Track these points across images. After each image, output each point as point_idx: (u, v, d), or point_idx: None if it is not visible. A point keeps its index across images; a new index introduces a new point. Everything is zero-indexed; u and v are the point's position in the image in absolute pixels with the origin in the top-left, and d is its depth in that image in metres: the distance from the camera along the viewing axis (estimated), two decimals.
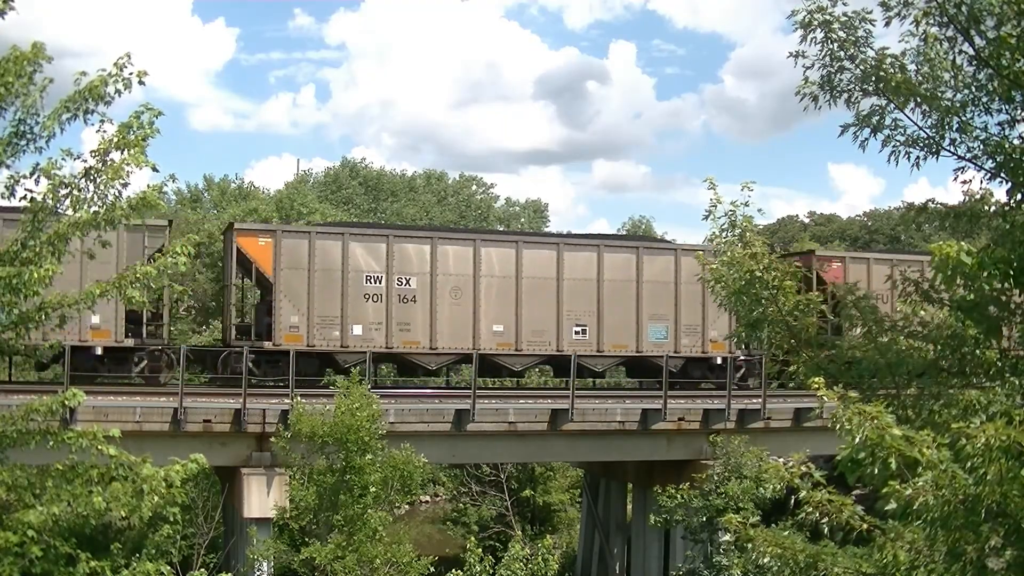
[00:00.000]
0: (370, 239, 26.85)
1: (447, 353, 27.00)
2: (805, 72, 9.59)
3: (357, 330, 26.01)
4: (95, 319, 23.92)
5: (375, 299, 26.29)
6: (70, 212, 9.66)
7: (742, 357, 28.41)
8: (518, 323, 27.44)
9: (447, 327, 26.86)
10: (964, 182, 9.49)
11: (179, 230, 29.37)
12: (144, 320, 25.19)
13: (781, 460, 20.57)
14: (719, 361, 28.83)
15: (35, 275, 9.16)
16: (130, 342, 24.64)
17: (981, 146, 9.22)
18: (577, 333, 27.97)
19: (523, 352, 27.62)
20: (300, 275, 25.85)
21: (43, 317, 9.84)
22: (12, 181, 9.78)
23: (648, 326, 28.55)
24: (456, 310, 26.96)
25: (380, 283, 26.34)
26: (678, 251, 29.21)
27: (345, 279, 26.08)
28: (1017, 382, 8.75)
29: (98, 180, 9.56)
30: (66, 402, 9.60)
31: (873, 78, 9.30)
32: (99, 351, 24.38)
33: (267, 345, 25.46)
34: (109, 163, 9.57)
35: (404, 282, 26.55)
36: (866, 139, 9.48)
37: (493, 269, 27.56)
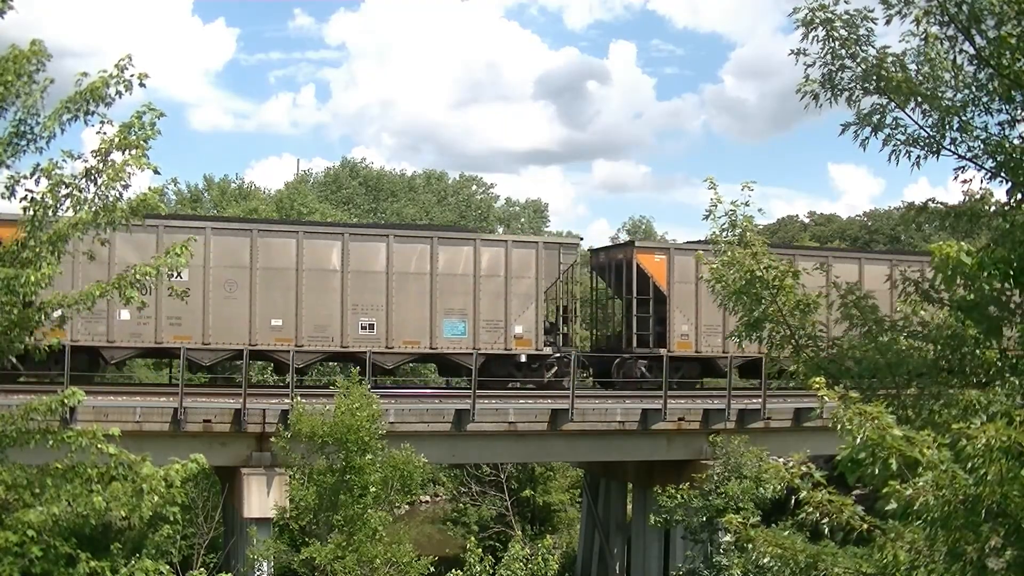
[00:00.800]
0: None
1: None
2: (806, 70, 9.58)
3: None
4: (518, 329, 26.95)
5: None
6: (70, 212, 9.64)
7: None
8: None
9: None
10: (964, 182, 9.49)
11: None
12: (559, 330, 28.50)
13: (781, 460, 20.57)
14: None
15: (32, 277, 9.15)
16: (548, 350, 27.43)
17: (981, 146, 9.21)
18: None
19: None
20: (689, 288, 28.62)
21: (43, 317, 9.82)
22: (12, 181, 9.78)
23: None
24: None
25: None
26: None
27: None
28: (1017, 382, 8.74)
29: (99, 181, 9.56)
30: (65, 401, 9.58)
31: (874, 77, 9.29)
32: (523, 358, 27.20)
33: (661, 352, 27.63)
34: (110, 163, 9.57)
35: None
36: (867, 138, 9.48)
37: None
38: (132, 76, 9.62)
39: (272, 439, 19.71)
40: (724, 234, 10.91)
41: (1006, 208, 9.08)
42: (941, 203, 9.85)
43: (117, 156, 9.58)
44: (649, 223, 70.65)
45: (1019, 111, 9.26)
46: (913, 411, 9.03)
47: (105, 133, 9.67)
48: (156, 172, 9.67)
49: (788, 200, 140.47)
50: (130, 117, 9.60)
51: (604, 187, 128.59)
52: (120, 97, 9.66)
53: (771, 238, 31.62)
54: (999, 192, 9.34)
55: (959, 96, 9.31)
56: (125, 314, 23.68)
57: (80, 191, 9.57)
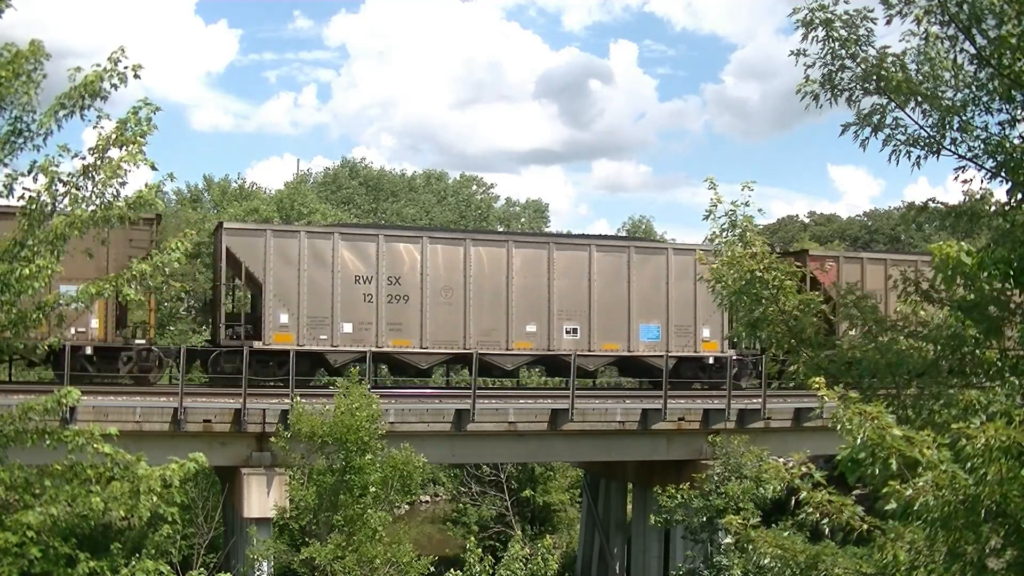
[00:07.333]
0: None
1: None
2: (806, 71, 9.58)
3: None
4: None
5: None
6: (68, 210, 9.62)
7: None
8: None
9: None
10: (964, 181, 9.48)
11: (177, 228, 29.35)
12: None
13: (781, 460, 20.56)
14: None
15: (27, 271, 9.12)
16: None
17: (981, 145, 9.20)
18: None
19: None
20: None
21: (42, 316, 9.79)
22: (10, 179, 9.75)
23: None
24: None
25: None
26: None
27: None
28: (1017, 382, 8.73)
29: (96, 178, 9.53)
30: (62, 401, 9.54)
31: (874, 77, 9.29)
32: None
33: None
34: (107, 160, 9.53)
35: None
36: (867, 138, 9.47)
37: None
38: (126, 69, 9.57)
39: (272, 439, 19.69)
40: (724, 234, 10.90)
41: (1006, 208, 9.06)
42: (941, 203, 9.84)
43: (114, 153, 9.54)
44: (649, 223, 70.56)
45: (1019, 111, 9.25)
46: (913, 411, 9.02)
47: (102, 128, 9.64)
48: (153, 168, 9.64)
49: (788, 200, 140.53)
50: (126, 113, 9.57)
51: (603, 187, 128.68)
52: (115, 90, 9.61)
53: (771, 238, 31.27)
54: (999, 192, 9.34)
55: (959, 96, 9.30)
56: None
57: (78, 188, 9.54)
